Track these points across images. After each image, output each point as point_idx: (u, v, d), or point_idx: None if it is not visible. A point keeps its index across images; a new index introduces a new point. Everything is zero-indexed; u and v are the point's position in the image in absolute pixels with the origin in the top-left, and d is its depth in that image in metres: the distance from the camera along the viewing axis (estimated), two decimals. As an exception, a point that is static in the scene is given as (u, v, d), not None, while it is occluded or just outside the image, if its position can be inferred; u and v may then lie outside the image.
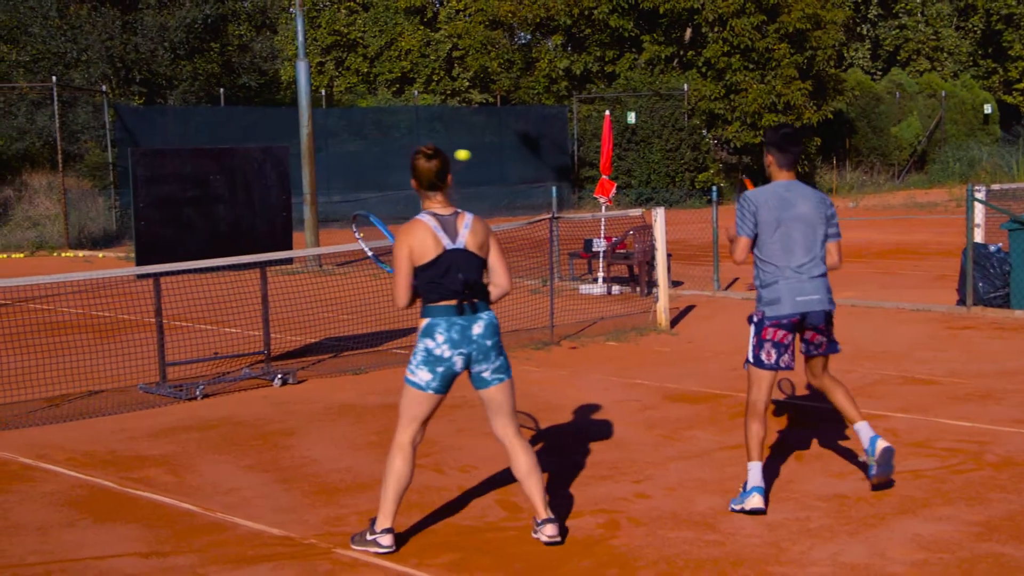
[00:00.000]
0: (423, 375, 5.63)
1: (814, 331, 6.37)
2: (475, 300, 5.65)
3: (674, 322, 12.87)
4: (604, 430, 8.16)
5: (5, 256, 24.45)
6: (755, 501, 6.13)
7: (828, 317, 6.36)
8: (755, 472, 6.22)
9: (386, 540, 5.69)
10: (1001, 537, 5.74)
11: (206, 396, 9.61)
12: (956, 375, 9.69)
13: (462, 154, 6.53)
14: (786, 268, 6.24)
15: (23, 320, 13.66)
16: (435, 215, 5.67)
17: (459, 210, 5.73)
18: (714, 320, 13.19)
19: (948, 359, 10.40)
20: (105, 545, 5.97)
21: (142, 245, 9.52)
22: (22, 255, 24.73)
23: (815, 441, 7.72)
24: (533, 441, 7.83)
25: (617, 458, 7.41)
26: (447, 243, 5.60)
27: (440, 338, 5.59)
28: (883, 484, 6.48)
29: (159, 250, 9.54)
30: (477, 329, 5.63)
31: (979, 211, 14.55)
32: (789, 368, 6.38)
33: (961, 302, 13.13)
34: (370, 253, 7.15)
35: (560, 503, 6.44)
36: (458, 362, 5.62)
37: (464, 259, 5.62)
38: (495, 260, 5.76)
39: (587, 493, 6.66)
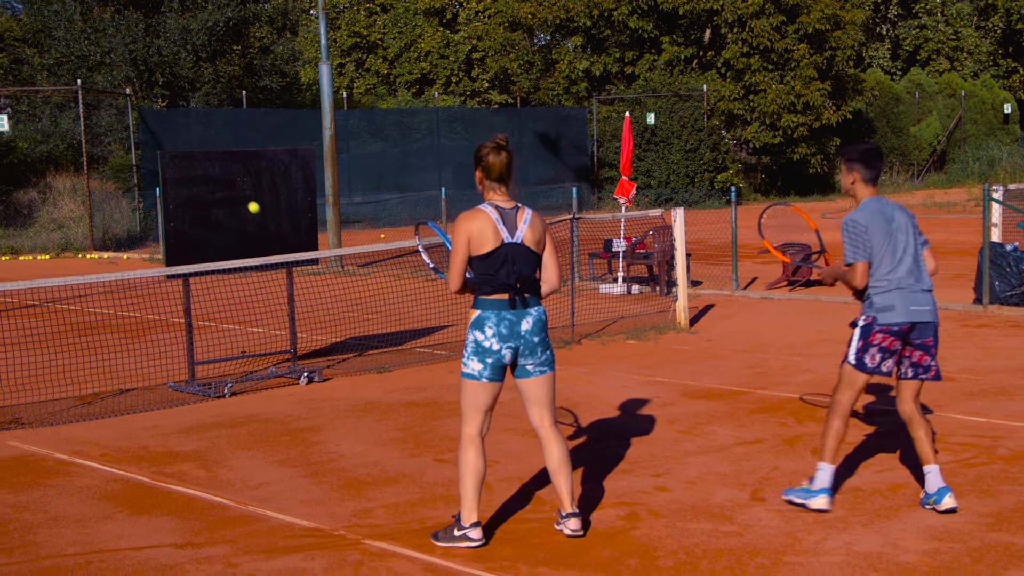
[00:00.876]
0: (475, 365, 5.78)
1: (922, 349, 6.31)
2: (526, 295, 5.80)
3: (693, 321, 13.03)
4: (624, 426, 8.33)
5: (31, 258, 24.76)
6: (821, 502, 6.22)
7: (935, 329, 6.34)
8: (826, 474, 6.26)
9: (476, 533, 5.80)
10: (1011, 527, 5.88)
11: (234, 394, 9.82)
12: (971, 372, 9.82)
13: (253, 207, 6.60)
14: (898, 278, 6.25)
15: (54, 320, 13.91)
16: (497, 207, 5.81)
17: (520, 204, 5.88)
18: (733, 319, 13.34)
19: (963, 356, 10.52)
20: (141, 537, 6.17)
21: (172, 245, 9.74)
22: (47, 257, 25.04)
23: (831, 437, 7.85)
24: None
25: (637, 453, 7.57)
26: (506, 237, 5.74)
27: (489, 331, 5.74)
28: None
29: (189, 250, 9.76)
30: (526, 325, 5.78)
31: (996, 210, 14.66)
32: (888, 374, 6.32)
33: (978, 300, 13.24)
34: (431, 264, 7.19)
35: (582, 496, 6.62)
36: (507, 355, 5.77)
37: (521, 254, 5.76)
38: (548, 257, 5.91)
39: (608, 486, 6.83)
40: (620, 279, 16.04)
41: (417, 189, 32.74)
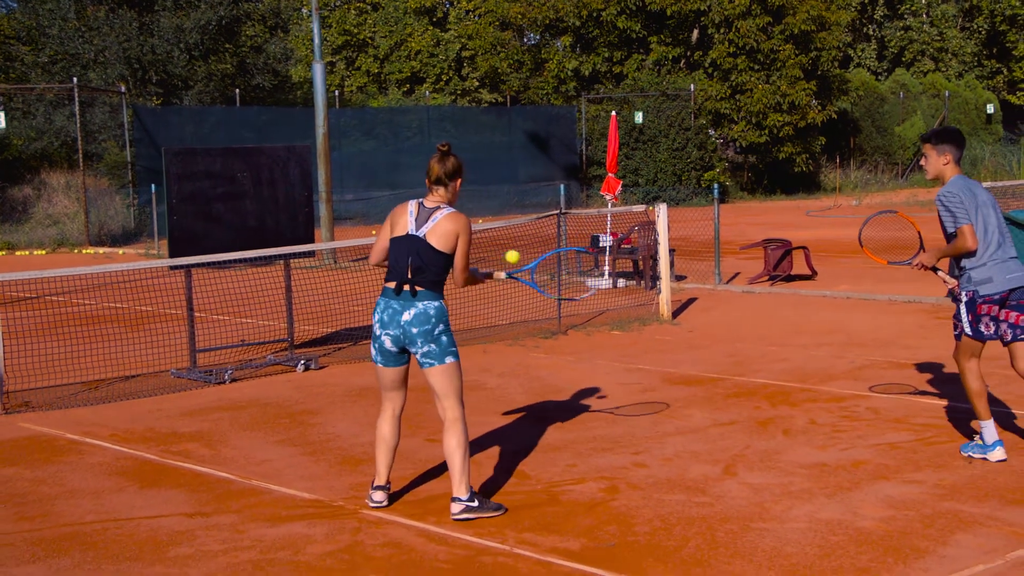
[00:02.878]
0: (372, 349, 6.34)
1: (1018, 310, 6.89)
2: (418, 288, 6.14)
3: (676, 313, 13.48)
4: (607, 408, 8.77)
5: (27, 253, 25.11)
6: (999, 454, 6.93)
7: None
8: (990, 429, 6.99)
9: (377, 495, 6.40)
10: (962, 497, 6.34)
11: (234, 380, 10.24)
12: (938, 360, 10.28)
13: (512, 256, 7.04)
14: (990, 252, 6.87)
15: (56, 312, 14.31)
16: (420, 204, 6.29)
17: (443, 206, 6.26)
18: (714, 311, 13.79)
19: (933, 346, 10.98)
20: (153, 507, 6.60)
21: (175, 238, 10.16)
22: (43, 252, 25.39)
23: (803, 419, 8.31)
24: (544, 419, 8.44)
25: (619, 433, 8.02)
26: (411, 229, 6.21)
27: (376, 316, 6.25)
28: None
29: (191, 243, 10.18)
30: (407, 316, 6.13)
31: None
32: (1001, 339, 6.96)
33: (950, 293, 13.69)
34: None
35: (566, 471, 7.06)
36: (387, 341, 6.19)
37: (420, 247, 6.15)
38: (457, 258, 6.23)
39: (590, 462, 7.27)
40: (606, 273, 16.48)
41: (408, 187, 33.12)
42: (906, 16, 49.56)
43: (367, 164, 33.59)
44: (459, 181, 6.37)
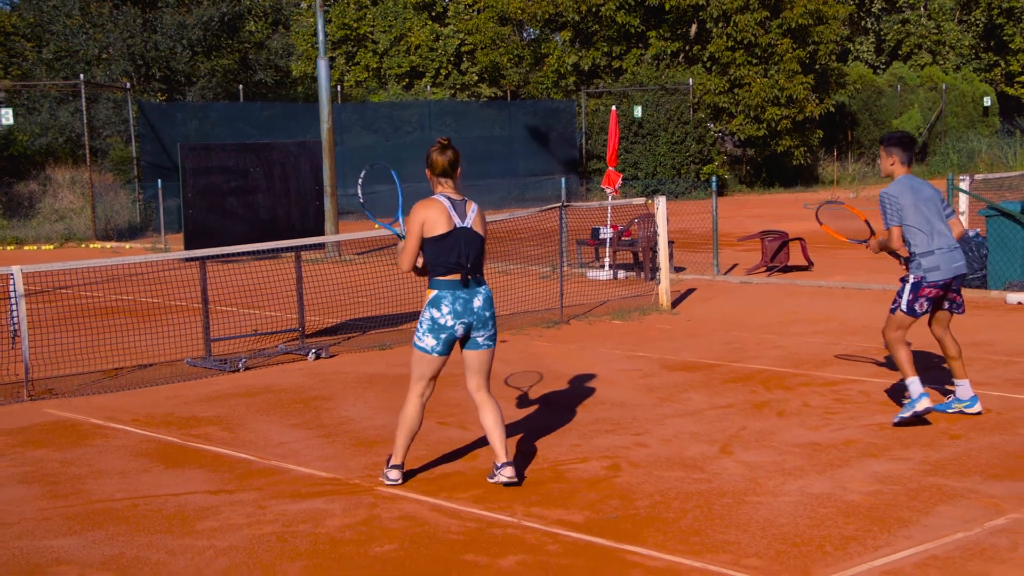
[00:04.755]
0: (429, 341, 6.60)
1: (956, 291, 7.95)
2: (476, 275, 6.63)
3: (675, 303, 13.83)
4: (609, 393, 9.13)
5: (35, 248, 25.46)
6: (925, 403, 7.64)
7: (964, 277, 8.00)
8: (915, 384, 7.71)
9: (393, 474, 6.77)
10: (946, 473, 6.70)
11: (248, 368, 10.60)
12: (928, 347, 10.60)
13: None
14: (936, 243, 7.75)
15: (71, 304, 14.66)
16: (448, 198, 6.63)
17: (467, 198, 6.72)
18: (712, 301, 14.15)
19: (923, 333, 11.24)
20: (178, 485, 6.95)
21: (190, 231, 10.51)
22: (51, 247, 25.74)
23: (797, 402, 8.67)
24: (549, 403, 8.80)
25: (620, 415, 8.37)
26: (457, 222, 6.56)
27: (445, 309, 6.53)
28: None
29: (205, 235, 10.53)
30: (477, 302, 6.59)
31: (963, 199, 15.51)
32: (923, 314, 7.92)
33: (943, 284, 14.05)
34: (362, 200, 7.72)
35: (571, 451, 7.42)
36: (459, 330, 6.59)
37: (470, 238, 6.58)
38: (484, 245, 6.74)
39: (593, 443, 7.63)
40: (607, 265, 16.83)
41: (409, 181, 33.20)
42: (904, 9, 49.87)
43: (368, 159, 33.87)
44: (459, 170, 6.76)
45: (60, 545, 5.91)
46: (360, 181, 7.89)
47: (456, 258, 6.53)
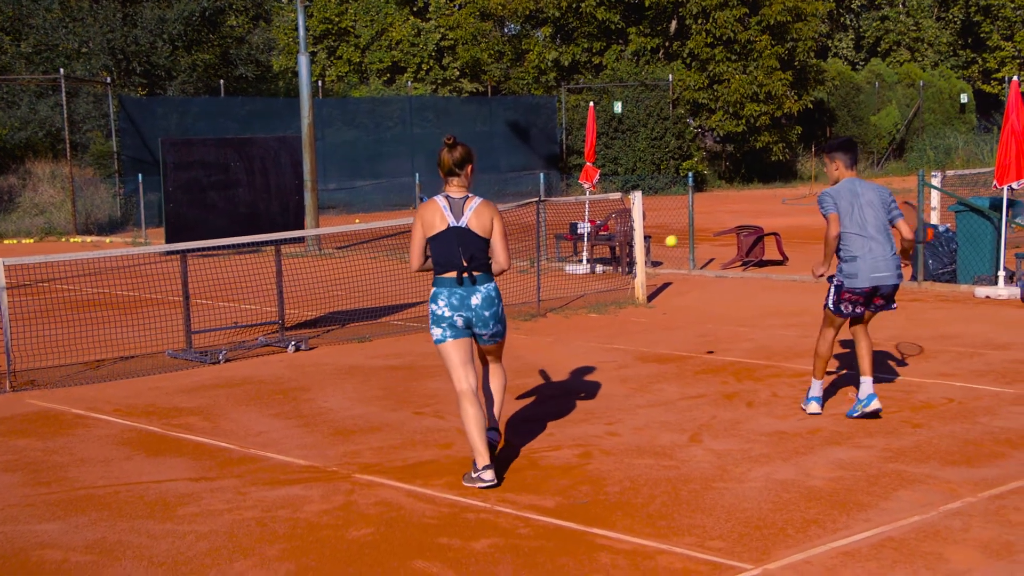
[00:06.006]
0: (437, 331, 6.73)
1: (883, 298, 7.89)
2: (476, 273, 6.70)
3: (651, 297, 14.04)
4: (583, 384, 9.31)
5: (15, 242, 25.50)
6: (812, 407, 8.02)
7: (895, 289, 7.86)
8: (816, 387, 8.10)
9: (488, 475, 6.54)
10: (906, 460, 6.91)
11: (228, 360, 10.74)
12: (896, 339, 10.85)
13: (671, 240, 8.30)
14: (862, 249, 7.69)
15: (51, 297, 14.77)
16: (447, 197, 6.76)
17: (470, 195, 6.81)
18: (687, 296, 14.35)
19: (892, 326, 11.56)
20: (160, 472, 7.10)
21: (171, 224, 10.64)
22: (31, 241, 25.78)
23: (765, 392, 8.87)
24: (525, 394, 8.98)
25: (593, 406, 8.56)
26: (452, 221, 6.69)
27: (442, 303, 6.67)
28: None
29: (186, 229, 10.66)
30: (475, 300, 6.67)
31: (935, 195, 15.77)
32: (857, 316, 7.96)
33: (913, 277, 14.30)
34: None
35: (544, 440, 7.60)
36: (459, 320, 6.69)
37: (466, 236, 6.68)
38: (496, 241, 6.77)
39: (566, 432, 7.81)
40: (584, 260, 17.02)
41: (390, 176, 33.63)
42: (883, 6, 50.24)
43: (349, 154, 34.04)
44: (470, 167, 6.84)
45: (44, 530, 6.06)
46: None
47: (450, 256, 6.66)
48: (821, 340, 8.08)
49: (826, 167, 8.06)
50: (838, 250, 7.83)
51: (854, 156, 7.97)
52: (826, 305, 8.01)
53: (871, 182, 8.03)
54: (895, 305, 8.10)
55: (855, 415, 7.88)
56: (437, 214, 6.71)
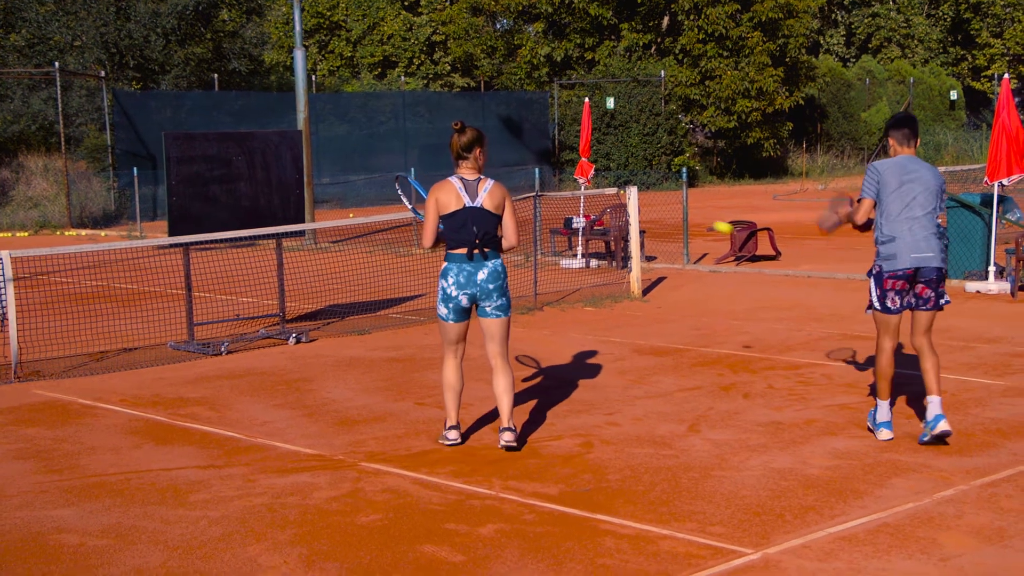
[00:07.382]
0: (442, 309, 7.26)
1: (924, 284, 7.16)
2: (486, 249, 7.13)
3: (646, 291, 14.19)
4: (582, 376, 9.47)
5: (10, 235, 25.57)
6: (884, 435, 7.20)
7: (940, 273, 7.16)
8: (884, 409, 7.27)
9: (451, 434, 7.30)
10: (900, 450, 7.08)
11: (230, 352, 10.87)
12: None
13: (721, 227, 8.49)
14: (902, 228, 7.09)
15: (53, 290, 14.88)
16: (461, 178, 7.17)
17: (483, 176, 7.23)
18: (682, 289, 14.52)
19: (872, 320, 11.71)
20: (169, 461, 7.24)
21: (174, 217, 10.77)
22: (26, 234, 25.85)
23: (762, 384, 9.03)
24: (525, 385, 9.13)
25: (593, 397, 8.72)
26: (467, 201, 7.11)
27: (451, 279, 7.14)
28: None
29: (189, 222, 10.79)
30: (482, 275, 7.13)
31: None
32: (908, 308, 7.27)
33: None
34: (410, 206, 8.83)
35: (545, 430, 7.76)
36: (463, 300, 7.16)
37: (480, 216, 7.11)
38: (507, 219, 7.28)
39: (567, 422, 7.97)
40: (579, 254, 17.18)
41: (383, 170, 33.71)
42: (873, 3, 50.46)
43: (342, 148, 34.14)
44: (478, 150, 7.24)
45: (59, 515, 6.19)
46: (399, 190, 9.05)
47: (465, 234, 7.08)
48: (879, 355, 7.30)
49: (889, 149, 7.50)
50: (876, 235, 7.25)
51: (908, 132, 7.35)
52: (871, 306, 7.33)
53: (932, 165, 7.47)
54: (946, 299, 7.31)
55: (925, 440, 7.11)
56: (452, 194, 7.11)
